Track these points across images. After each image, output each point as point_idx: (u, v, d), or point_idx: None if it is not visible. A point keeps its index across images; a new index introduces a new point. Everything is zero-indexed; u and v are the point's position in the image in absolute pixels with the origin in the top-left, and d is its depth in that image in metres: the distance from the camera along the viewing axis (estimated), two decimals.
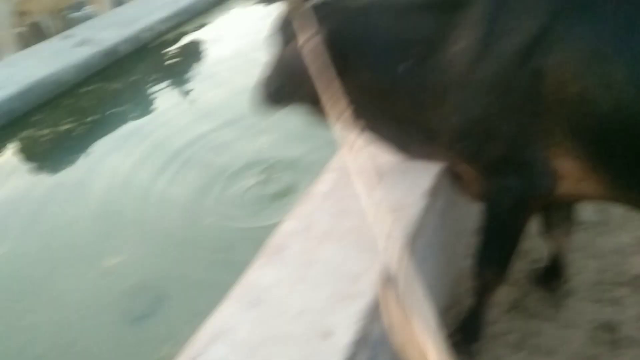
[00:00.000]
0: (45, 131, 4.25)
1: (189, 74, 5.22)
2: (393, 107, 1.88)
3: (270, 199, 3.25)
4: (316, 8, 1.85)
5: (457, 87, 1.68)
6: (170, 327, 2.42)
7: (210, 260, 2.80)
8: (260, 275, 1.68)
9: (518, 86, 1.58)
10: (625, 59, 1.43)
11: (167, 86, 4.95)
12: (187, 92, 4.84)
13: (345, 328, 1.43)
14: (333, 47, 1.77)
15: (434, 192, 1.93)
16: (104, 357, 2.41)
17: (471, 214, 2.17)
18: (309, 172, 3.02)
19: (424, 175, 1.98)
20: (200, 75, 5.16)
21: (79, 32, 5.42)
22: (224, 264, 2.66)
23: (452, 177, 2.02)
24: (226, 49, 5.56)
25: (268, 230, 1.85)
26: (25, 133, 4.26)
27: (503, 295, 2.37)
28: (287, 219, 1.90)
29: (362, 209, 1.52)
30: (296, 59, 1.78)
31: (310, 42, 1.76)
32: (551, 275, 2.41)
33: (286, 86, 1.93)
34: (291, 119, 2.51)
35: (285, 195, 3.25)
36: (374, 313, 1.48)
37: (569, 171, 1.63)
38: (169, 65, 5.49)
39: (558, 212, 2.18)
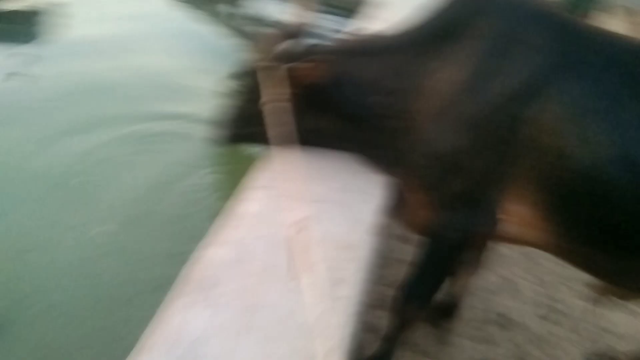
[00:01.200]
0: None
1: None
2: (365, 132, 1.82)
3: None
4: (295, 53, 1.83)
5: (435, 117, 1.62)
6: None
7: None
8: (187, 319, 1.31)
9: (496, 128, 1.55)
10: (608, 121, 1.48)
11: None
12: None
13: None
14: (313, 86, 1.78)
15: (377, 229, 1.77)
16: None
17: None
18: None
19: (363, 208, 1.80)
20: None
21: None
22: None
23: (397, 205, 1.91)
24: None
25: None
26: None
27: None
28: (211, 244, 1.54)
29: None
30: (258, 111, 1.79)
31: (276, 96, 1.75)
32: (443, 313, 2.45)
33: (243, 131, 2.04)
34: None
35: None
36: None
37: (519, 216, 1.64)
38: None
39: (471, 253, 2.22)
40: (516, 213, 1.64)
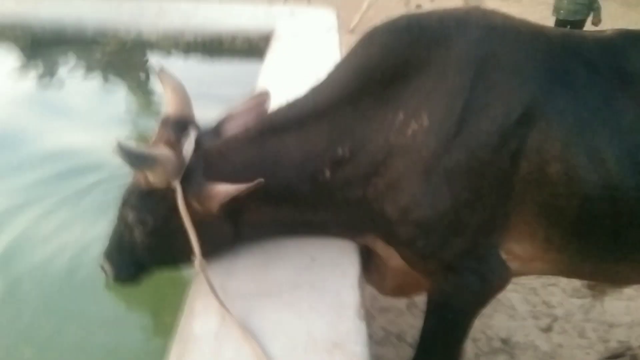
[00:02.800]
0: None
1: None
2: (322, 211, 1.44)
3: None
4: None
5: (420, 175, 1.30)
6: None
7: None
8: None
9: (496, 170, 1.29)
10: (611, 131, 1.28)
11: None
12: None
13: None
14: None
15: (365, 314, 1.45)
16: None
17: None
18: None
19: (344, 289, 1.46)
20: None
21: None
22: None
23: (370, 272, 1.62)
24: None
25: None
26: None
27: None
28: None
29: None
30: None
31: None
32: None
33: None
34: None
35: None
36: None
37: (529, 254, 1.42)
38: None
39: None
40: (525, 251, 1.42)
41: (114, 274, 1.47)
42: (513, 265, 1.45)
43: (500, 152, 1.27)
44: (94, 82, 3.30)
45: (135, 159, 1.24)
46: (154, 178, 1.29)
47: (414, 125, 1.29)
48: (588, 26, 5.59)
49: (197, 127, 1.40)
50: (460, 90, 1.27)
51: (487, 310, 2.59)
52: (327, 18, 3.48)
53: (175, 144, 1.31)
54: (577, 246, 1.39)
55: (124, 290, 1.67)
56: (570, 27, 5.23)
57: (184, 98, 1.43)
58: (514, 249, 1.41)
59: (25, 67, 3.48)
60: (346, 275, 1.43)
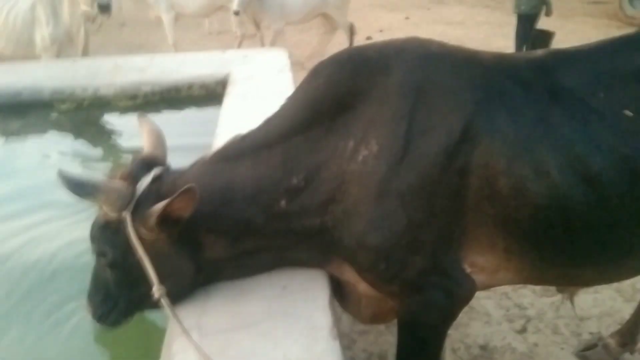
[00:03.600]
0: None
1: None
2: (278, 241, 1.50)
3: None
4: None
5: (374, 200, 1.37)
6: None
7: None
8: None
9: (445, 187, 1.37)
10: (551, 143, 1.38)
11: None
12: None
13: None
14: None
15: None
16: None
17: None
18: None
19: (316, 312, 1.52)
20: None
21: None
22: None
23: (340, 297, 1.67)
24: None
25: None
26: None
27: None
28: None
29: None
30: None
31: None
32: None
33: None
34: None
35: None
36: None
37: (492, 265, 1.49)
38: None
39: None
40: (489, 262, 1.49)
41: (95, 316, 1.51)
42: (480, 277, 1.51)
43: (447, 170, 1.35)
44: (50, 141, 3.33)
45: (75, 186, 1.33)
46: (106, 208, 1.37)
47: (364, 152, 1.37)
48: (543, 18, 6.59)
49: (166, 167, 1.49)
50: (403, 115, 1.37)
51: (463, 319, 2.68)
52: (279, 58, 3.62)
53: (131, 178, 1.39)
54: (536, 254, 1.47)
55: (109, 334, 1.70)
56: (528, 20, 6.54)
57: (158, 140, 1.54)
58: (478, 261, 1.48)
59: None
60: (317, 299, 1.49)
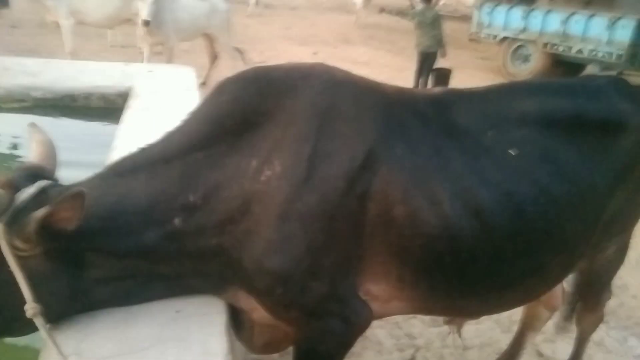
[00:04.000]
0: None
1: None
2: (170, 263, 1.41)
3: None
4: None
5: (275, 221, 1.35)
6: None
7: None
8: None
9: (345, 211, 1.38)
10: (443, 176, 1.45)
11: None
12: None
13: None
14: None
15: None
16: None
17: None
18: None
19: (211, 338, 1.46)
20: None
21: None
22: None
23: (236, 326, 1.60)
24: None
25: None
26: None
27: None
28: None
29: None
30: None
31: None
32: None
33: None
34: None
35: None
36: None
37: (385, 293, 1.52)
38: None
39: None
40: (382, 291, 1.52)
41: None
42: (373, 306, 1.53)
43: (348, 195, 1.38)
44: None
45: None
46: None
47: (267, 172, 1.35)
48: (438, 58, 7.73)
49: (54, 180, 1.36)
50: (308, 138, 1.38)
51: (356, 349, 2.71)
52: (186, 76, 3.53)
53: (11, 187, 1.24)
54: (427, 284, 1.52)
55: None
56: (428, 58, 7.63)
57: (47, 152, 1.41)
58: (372, 290, 1.50)
59: None
60: (213, 324, 1.43)
